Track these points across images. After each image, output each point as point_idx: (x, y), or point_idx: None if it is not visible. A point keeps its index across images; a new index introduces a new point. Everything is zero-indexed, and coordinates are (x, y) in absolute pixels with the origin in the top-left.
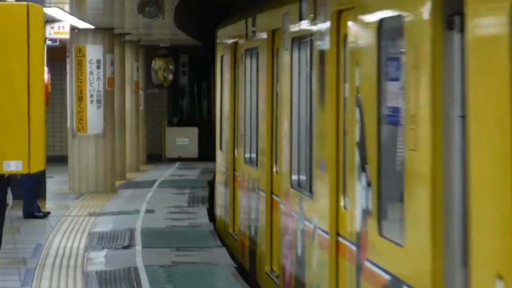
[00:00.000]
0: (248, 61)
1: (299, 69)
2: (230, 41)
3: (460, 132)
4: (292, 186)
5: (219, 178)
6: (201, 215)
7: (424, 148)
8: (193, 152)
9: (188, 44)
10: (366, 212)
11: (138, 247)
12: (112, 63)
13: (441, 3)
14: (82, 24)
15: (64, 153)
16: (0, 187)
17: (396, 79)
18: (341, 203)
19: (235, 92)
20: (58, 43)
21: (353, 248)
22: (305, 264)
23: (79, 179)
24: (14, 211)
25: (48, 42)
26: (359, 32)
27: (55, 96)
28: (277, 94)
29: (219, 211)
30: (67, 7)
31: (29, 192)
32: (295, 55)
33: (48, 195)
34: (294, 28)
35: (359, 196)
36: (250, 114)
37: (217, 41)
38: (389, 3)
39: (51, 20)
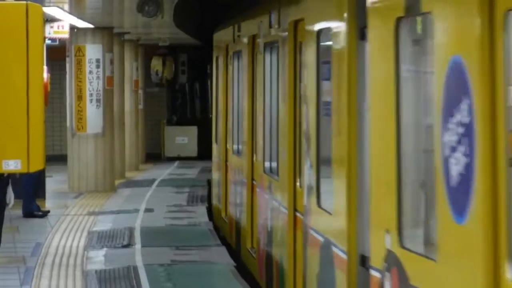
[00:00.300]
0: (236, 62)
1: (270, 70)
2: (223, 44)
3: (368, 122)
4: (264, 171)
5: (214, 169)
6: (200, 214)
7: (343, 135)
8: (193, 151)
9: (187, 43)
10: (310, 189)
11: (138, 246)
12: (111, 62)
13: (355, 18)
14: (81, 24)
15: (64, 152)
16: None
17: (328, 79)
18: (297, 183)
19: (226, 89)
20: (57, 42)
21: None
22: (273, 239)
23: (79, 178)
24: (13, 210)
25: (48, 42)
26: (306, 39)
27: (54, 95)
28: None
29: (215, 200)
30: (66, 6)
31: (28, 191)
32: (267, 58)
33: (47, 194)
34: (265, 34)
35: (306, 176)
36: (238, 110)
37: (214, 43)
38: (322, 16)
39: (50, 20)
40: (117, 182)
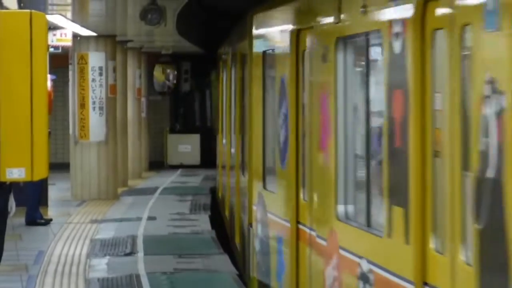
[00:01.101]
0: (224, 74)
1: (235, 79)
2: (219, 59)
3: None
4: (231, 156)
5: (217, 160)
6: (203, 222)
7: (249, 128)
8: (195, 159)
9: (190, 51)
10: (244, 164)
11: (140, 254)
12: (114, 70)
13: (251, 49)
14: (84, 31)
15: (66, 160)
16: (1, 194)
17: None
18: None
19: (221, 97)
20: (60, 50)
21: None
22: (234, 201)
23: (81, 186)
24: (16, 218)
25: (50, 49)
26: (242, 60)
27: (57, 103)
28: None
29: (216, 184)
30: (69, 14)
31: (31, 199)
32: (233, 71)
33: (50, 202)
34: (233, 52)
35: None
36: (225, 114)
37: (217, 58)
38: (243, 49)
39: (53, 27)
40: (119, 190)
